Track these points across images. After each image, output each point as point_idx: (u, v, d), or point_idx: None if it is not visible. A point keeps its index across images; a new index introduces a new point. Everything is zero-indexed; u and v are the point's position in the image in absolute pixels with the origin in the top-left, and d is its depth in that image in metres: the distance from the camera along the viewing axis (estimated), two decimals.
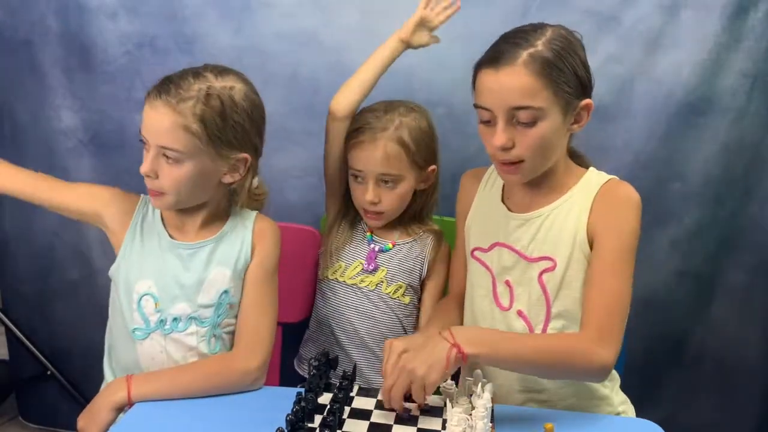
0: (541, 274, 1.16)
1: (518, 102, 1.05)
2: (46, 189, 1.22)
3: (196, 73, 1.12)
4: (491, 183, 1.29)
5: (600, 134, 1.62)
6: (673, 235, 1.69)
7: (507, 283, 1.20)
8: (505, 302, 1.21)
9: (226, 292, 1.19)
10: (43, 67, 1.73)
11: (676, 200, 1.67)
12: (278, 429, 0.92)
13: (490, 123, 1.10)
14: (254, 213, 1.26)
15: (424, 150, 1.36)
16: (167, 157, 1.09)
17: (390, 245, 1.41)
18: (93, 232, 1.16)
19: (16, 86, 1.76)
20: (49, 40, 1.71)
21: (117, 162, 1.74)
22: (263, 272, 1.22)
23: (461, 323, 1.29)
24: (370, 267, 1.40)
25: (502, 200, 1.24)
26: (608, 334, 1.07)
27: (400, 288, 1.41)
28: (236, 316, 1.21)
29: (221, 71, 1.14)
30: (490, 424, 0.94)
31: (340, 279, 1.41)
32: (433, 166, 1.39)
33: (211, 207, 1.20)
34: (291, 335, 1.55)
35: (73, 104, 1.74)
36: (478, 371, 1.02)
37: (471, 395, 1.02)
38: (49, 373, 1.90)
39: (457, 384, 1.07)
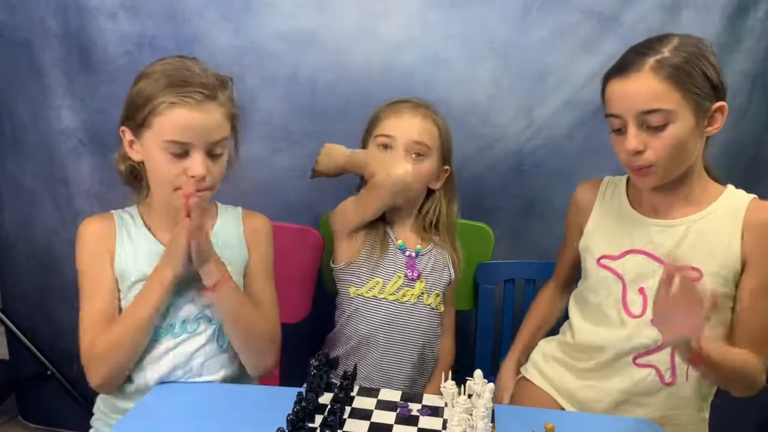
0: None
1: (647, 106, 1.08)
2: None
3: None
4: (611, 191, 1.29)
5: (600, 134, 1.61)
6: None
7: (641, 290, 1.20)
8: (637, 310, 1.20)
9: None
10: (43, 67, 1.73)
11: None
12: (279, 429, 0.92)
13: (621, 131, 1.13)
14: (239, 208, 1.28)
15: (447, 143, 1.39)
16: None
17: (420, 246, 1.41)
18: None
19: (16, 86, 1.76)
20: (49, 40, 1.71)
21: None
22: (264, 267, 1.25)
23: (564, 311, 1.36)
24: (414, 274, 1.38)
25: (632, 206, 1.24)
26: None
27: (438, 296, 1.42)
28: None
29: None
30: (491, 424, 0.94)
31: (380, 296, 1.37)
32: (447, 166, 1.41)
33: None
34: (291, 335, 1.55)
35: (73, 104, 1.74)
36: (479, 371, 1.02)
37: (471, 395, 1.02)
38: (49, 373, 1.90)
39: (458, 384, 1.07)
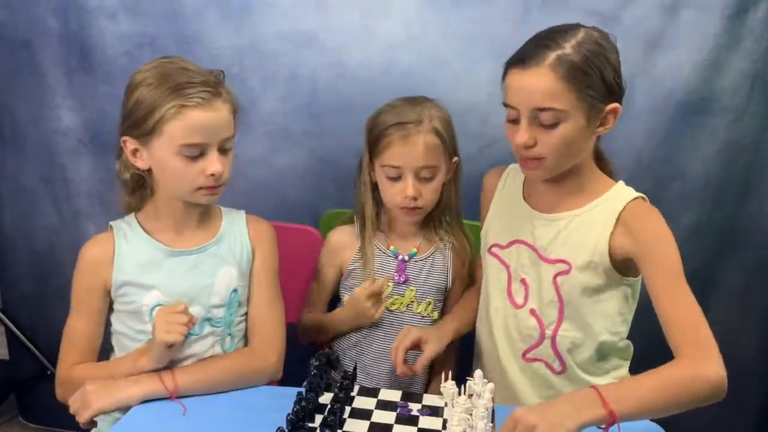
0: (555, 276, 1.18)
1: (541, 103, 1.07)
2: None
3: None
4: (510, 180, 1.31)
5: None
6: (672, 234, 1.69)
7: (523, 281, 1.22)
8: (519, 299, 1.23)
9: (235, 290, 1.21)
10: (43, 67, 1.73)
11: (675, 200, 1.66)
12: (279, 429, 0.92)
13: (516, 121, 1.12)
14: (242, 212, 1.28)
15: (452, 140, 1.35)
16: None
17: (415, 250, 1.39)
18: (93, 231, 1.16)
19: (16, 86, 1.76)
20: (49, 40, 1.71)
21: None
22: (268, 272, 1.25)
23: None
24: (401, 279, 1.37)
25: (524, 198, 1.26)
26: (707, 347, 1.00)
27: (430, 304, 1.40)
28: (245, 314, 1.24)
29: None
30: (491, 424, 0.94)
31: None
32: (456, 158, 1.38)
33: (206, 206, 1.21)
34: (291, 335, 1.55)
35: (73, 104, 1.74)
36: (479, 371, 1.02)
37: (471, 395, 1.02)
38: (49, 373, 1.90)
39: (458, 384, 1.07)
